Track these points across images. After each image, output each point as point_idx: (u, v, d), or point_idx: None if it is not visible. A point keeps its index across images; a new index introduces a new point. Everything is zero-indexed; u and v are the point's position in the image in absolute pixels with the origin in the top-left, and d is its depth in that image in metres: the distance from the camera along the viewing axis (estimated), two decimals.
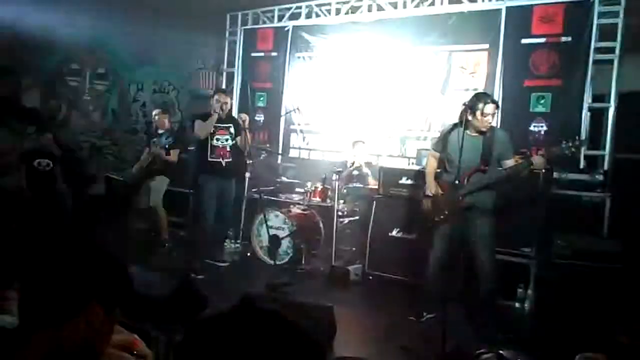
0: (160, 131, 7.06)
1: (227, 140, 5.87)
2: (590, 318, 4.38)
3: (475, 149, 4.26)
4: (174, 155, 6.76)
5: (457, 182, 3.98)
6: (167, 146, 6.67)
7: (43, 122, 7.22)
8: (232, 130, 5.90)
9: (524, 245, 5.08)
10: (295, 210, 6.58)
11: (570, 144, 3.88)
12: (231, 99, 6.06)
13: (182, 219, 7.58)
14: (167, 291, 3.54)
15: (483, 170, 4.29)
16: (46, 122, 7.46)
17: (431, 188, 4.55)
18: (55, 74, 8.37)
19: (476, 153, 4.27)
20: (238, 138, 5.92)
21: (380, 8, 7.33)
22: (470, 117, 4.24)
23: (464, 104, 4.25)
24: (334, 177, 5.92)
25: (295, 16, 8.18)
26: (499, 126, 5.24)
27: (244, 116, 5.90)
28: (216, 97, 5.83)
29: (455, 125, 4.44)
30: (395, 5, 7.19)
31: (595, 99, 5.82)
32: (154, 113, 7.19)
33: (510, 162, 4.25)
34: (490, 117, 4.28)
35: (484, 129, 4.29)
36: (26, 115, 6.73)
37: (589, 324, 4.32)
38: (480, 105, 4.22)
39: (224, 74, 8.98)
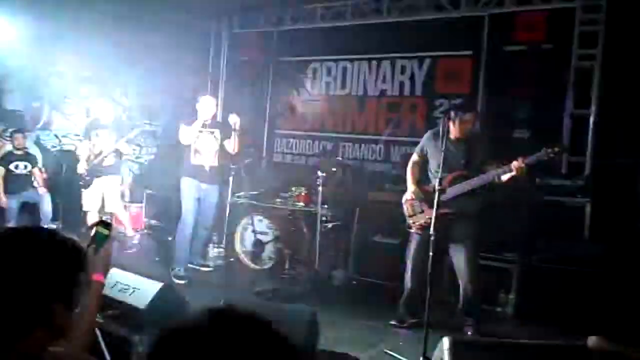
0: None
1: (211, 144, 5.80)
2: (572, 322, 4.41)
3: (457, 155, 4.31)
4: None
5: (439, 187, 3.99)
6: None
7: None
8: (217, 135, 5.82)
9: (506, 250, 5.11)
10: (279, 215, 6.56)
11: (550, 150, 3.93)
12: (216, 103, 5.97)
13: (164, 224, 7.51)
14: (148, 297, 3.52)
15: (465, 175, 4.32)
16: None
17: (413, 193, 4.56)
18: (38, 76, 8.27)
19: (458, 159, 4.31)
20: (226, 141, 5.83)
21: (364, 14, 7.36)
22: (451, 124, 4.29)
23: (445, 111, 4.30)
24: (318, 181, 5.90)
25: (281, 21, 8.18)
26: (481, 133, 5.27)
27: (235, 117, 5.75)
28: (201, 101, 5.75)
29: (437, 132, 4.47)
30: (379, 12, 7.22)
31: (577, 105, 5.89)
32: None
33: (491, 168, 4.28)
34: (470, 124, 4.34)
35: (464, 136, 4.33)
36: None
37: (570, 328, 4.36)
38: (460, 113, 4.28)
39: (209, 78, 8.95)
